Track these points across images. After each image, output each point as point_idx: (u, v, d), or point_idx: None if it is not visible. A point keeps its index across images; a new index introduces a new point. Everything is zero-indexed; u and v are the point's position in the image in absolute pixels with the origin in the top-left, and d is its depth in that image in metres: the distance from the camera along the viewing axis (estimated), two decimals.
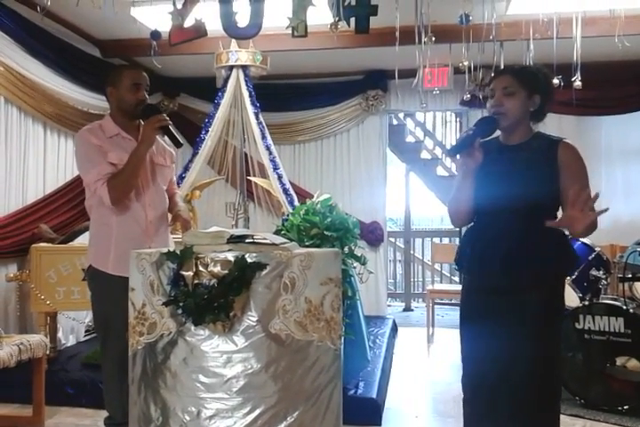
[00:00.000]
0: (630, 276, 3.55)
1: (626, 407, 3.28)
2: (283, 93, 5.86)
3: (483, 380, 2.12)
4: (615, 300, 3.51)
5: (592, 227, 1.93)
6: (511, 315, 2.05)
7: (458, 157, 2.14)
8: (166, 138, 2.53)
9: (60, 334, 4.39)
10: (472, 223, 2.23)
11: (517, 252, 2.05)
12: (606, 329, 3.38)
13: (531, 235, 2.05)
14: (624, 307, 3.37)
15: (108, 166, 2.39)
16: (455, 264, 2.28)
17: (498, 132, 2.19)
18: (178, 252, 1.72)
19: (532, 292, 2.04)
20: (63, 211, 4.56)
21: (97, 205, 2.46)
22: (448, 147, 7.61)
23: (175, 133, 2.44)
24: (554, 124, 5.24)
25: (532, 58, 3.84)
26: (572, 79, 3.86)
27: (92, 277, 2.52)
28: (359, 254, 3.45)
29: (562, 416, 3.23)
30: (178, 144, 2.45)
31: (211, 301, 1.67)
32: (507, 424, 2.07)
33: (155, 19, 3.78)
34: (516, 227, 2.06)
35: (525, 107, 2.10)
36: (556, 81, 3.82)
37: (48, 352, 3.28)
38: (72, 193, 4.69)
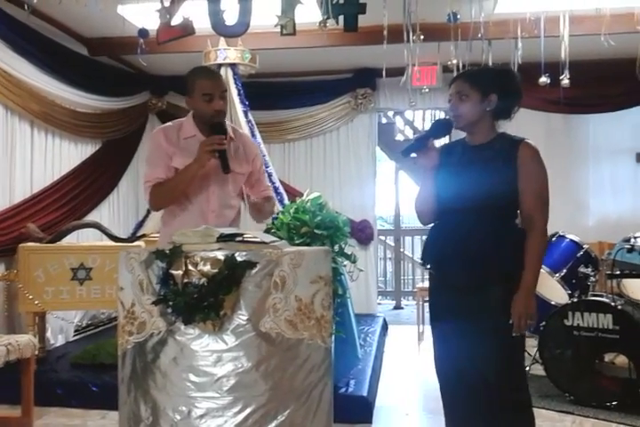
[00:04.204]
0: (618, 273, 3.57)
1: (614, 403, 3.31)
2: (271, 92, 5.84)
3: (453, 379, 2.16)
4: (603, 296, 3.54)
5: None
6: (472, 312, 2.08)
7: (412, 155, 2.19)
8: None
9: (48, 334, 4.35)
10: (437, 221, 2.27)
11: (474, 251, 2.08)
12: (595, 326, 3.40)
13: (488, 234, 2.08)
14: (612, 303, 3.39)
15: (163, 171, 2.38)
16: (420, 261, 2.32)
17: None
18: (167, 251, 1.71)
19: (490, 290, 2.07)
20: (51, 210, 4.54)
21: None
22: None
23: (228, 159, 2.36)
24: (542, 123, 5.29)
25: (519, 56, 3.86)
26: (560, 77, 3.88)
27: None
28: (349, 253, 3.46)
29: (551, 412, 3.30)
30: (225, 169, 2.36)
31: (200, 300, 1.66)
32: (480, 420, 2.12)
33: (142, 17, 3.76)
34: (473, 226, 2.10)
35: (481, 108, 2.13)
36: (543, 79, 3.85)
37: (37, 353, 3.26)
38: (60, 192, 4.67)
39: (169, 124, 2.51)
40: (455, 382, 2.15)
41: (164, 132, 2.45)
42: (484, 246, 2.07)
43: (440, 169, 2.19)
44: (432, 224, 2.29)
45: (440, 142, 2.36)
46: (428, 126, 8.04)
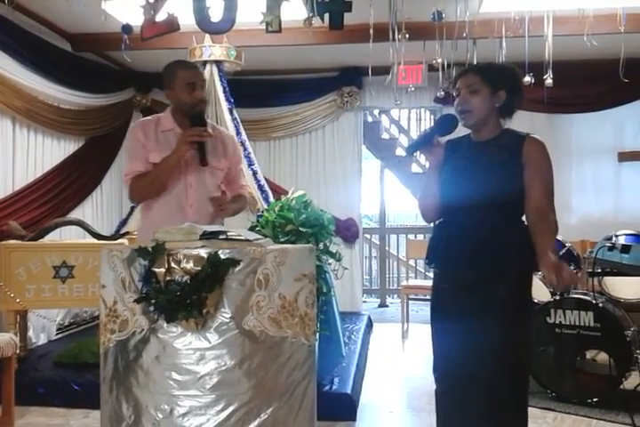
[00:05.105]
0: (599, 271, 3.61)
1: (595, 400, 3.35)
2: (257, 89, 5.83)
3: (453, 377, 2.14)
4: (585, 294, 3.57)
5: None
6: (477, 310, 2.06)
7: (416, 154, 2.19)
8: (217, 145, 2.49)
9: (30, 333, 4.31)
10: (441, 219, 2.25)
11: (481, 249, 2.06)
12: (576, 323, 3.44)
13: (494, 232, 2.07)
14: (593, 301, 3.43)
15: (142, 164, 2.40)
16: (426, 260, 2.30)
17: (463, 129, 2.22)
18: (149, 248, 1.70)
19: (497, 288, 2.06)
20: (33, 207, 4.49)
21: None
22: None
23: (206, 152, 2.38)
24: (525, 122, 5.31)
25: (504, 56, 3.88)
26: (544, 77, 3.92)
27: None
28: (334, 251, 3.46)
29: (533, 409, 3.33)
30: (202, 162, 2.39)
31: (183, 297, 1.65)
32: (477, 418, 2.10)
33: (126, 12, 3.73)
34: (479, 224, 2.08)
35: (491, 103, 2.11)
36: (527, 79, 3.88)
37: (18, 351, 3.21)
38: (42, 189, 4.62)
39: (147, 118, 2.53)
40: (454, 380, 2.13)
41: (142, 127, 2.46)
42: (490, 245, 2.05)
43: (445, 166, 2.17)
44: (437, 222, 2.27)
45: (445, 139, 2.33)
46: (413, 125, 8.06)
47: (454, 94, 2.18)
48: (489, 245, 2.06)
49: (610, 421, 3.18)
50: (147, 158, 2.40)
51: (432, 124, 2.32)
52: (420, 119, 8.05)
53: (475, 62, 3.87)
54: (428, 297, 6.42)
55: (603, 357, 3.41)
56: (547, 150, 2.11)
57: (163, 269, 1.67)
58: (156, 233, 1.81)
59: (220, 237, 1.79)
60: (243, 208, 2.76)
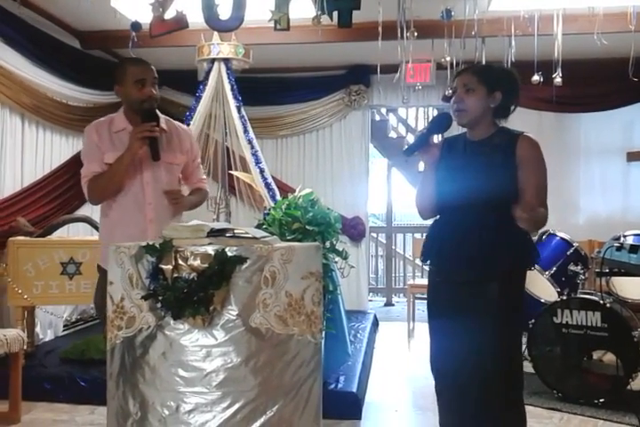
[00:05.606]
0: (607, 271, 3.59)
1: (602, 400, 3.33)
2: (265, 87, 5.82)
3: (448, 375, 2.15)
4: (592, 294, 3.55)
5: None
6: (470, 309, 2.07)
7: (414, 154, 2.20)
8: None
9: (37, 329, 4.33)
10: (437, 217, 2.27)
11: (474, 248, 2.07)
12: (583, 323, 3.42)
13: (488, 231, 2.08)
14: (601, 301, 3.41)
15: (98, 165, 2.40)
16: (421, 258, 2.31)
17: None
18: (157, 245, 1.71)
19: (489, 287, 2.06)
20: (41, 204, 4.51)
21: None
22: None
23: (158, 147, 2.38)
24: (533, 121, 5.30)
25: (513, 54, 3.86)
26: (553, 76, 3.90)
27: (100, 276, 2.45)
28: (341, 249, 3.46)
29: (539, 409, 3.32)
30: (154, 157, 2.39)
31: (190, 294, 1.66)
32: (472, 417, 2.11)
33: (135, 10, 3.74)
34: (473, 223, 2.09)
35: (485, 103, 2.13)
36: (536, 77, 3.86)
37: (25, 347, 3.23)
38: (50, 186, 4.64)
39: (101, 119, 2.51)
40: (451, 378, 2.14)
41: (95, 128, 2.45)
42: (483, 244, 2.06)
43: (441, 164, 2.19)
44: (433, 220, 2.29)
45: (442, 136, 2.34)
46: (421, 124, 8.05)
47: (452, 92, 2.21)
48: (482, 244, 2.07)
49: (616, 422, 3.16)
50: (102, 159, 2.40)
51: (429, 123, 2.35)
52: (428, 118, 8.03)
53: (483, 61, 3.86)
54: None
55: (609, 357, 3.39)
56: (539, 148, 2.13)
57: (170, 266, 1.68)
58: (163, 230, 1.81)
59: (227, 234, 1.80)
60: (202, 202, 2.76)
